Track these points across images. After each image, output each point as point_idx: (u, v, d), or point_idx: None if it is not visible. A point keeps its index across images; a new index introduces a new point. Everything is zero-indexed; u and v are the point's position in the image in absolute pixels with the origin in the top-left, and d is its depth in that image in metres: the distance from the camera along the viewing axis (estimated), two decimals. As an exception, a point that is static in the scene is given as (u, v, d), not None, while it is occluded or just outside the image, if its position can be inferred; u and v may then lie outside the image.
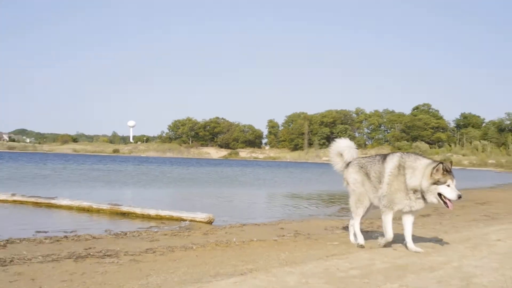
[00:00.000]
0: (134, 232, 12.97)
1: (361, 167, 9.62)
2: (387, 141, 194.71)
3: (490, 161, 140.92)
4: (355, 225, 9.99)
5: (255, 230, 13.70)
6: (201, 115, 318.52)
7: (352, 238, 10.42)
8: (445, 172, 8.21)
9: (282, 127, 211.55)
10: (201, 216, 15.22)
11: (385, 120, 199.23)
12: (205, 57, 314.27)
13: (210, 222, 15.04)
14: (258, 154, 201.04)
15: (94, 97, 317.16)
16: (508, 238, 9.70)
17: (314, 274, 6.91)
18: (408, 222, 9.24)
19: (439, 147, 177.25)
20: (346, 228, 14.18)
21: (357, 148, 10.69)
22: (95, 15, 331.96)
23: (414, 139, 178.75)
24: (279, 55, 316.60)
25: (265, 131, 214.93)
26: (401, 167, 8.70)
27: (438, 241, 10.17)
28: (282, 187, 38.11)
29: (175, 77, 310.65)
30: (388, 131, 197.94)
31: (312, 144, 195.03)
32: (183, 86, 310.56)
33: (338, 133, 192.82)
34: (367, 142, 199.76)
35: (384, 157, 9.26)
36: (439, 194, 8.27)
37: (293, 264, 8.21)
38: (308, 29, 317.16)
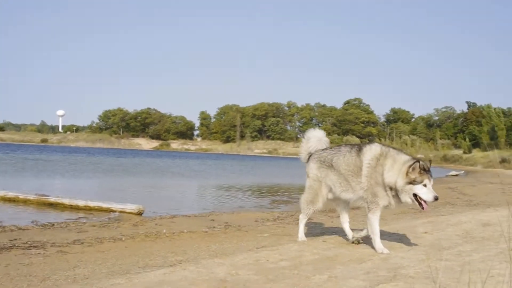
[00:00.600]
0: (62, 223, 12.75)
1: (323, 162, 8.67)
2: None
3: (419, 156, 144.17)
4: (300, 222, 9.24)
5: (185, 221, 13.65)
6: (133, 106, 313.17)
7: (300, 235, 9.29)
8: (422, 171, 7.54)
9: (214, 119, 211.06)
10: (131, 207, 15.07)
11: (316, 113, 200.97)
12: (137, 48, 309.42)
13: (140, 214, 14.90)
14: (189, 145, 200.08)
15: (22, 84, 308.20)
16: (434, 230, 9.89)
17: (244, 265, 6.90)
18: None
19: (370, 141, 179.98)
20: (276, 219, 14.28)
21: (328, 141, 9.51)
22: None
23: (345, 133, 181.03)
24: (211, 47, 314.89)
25: (197, 123, 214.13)
26: (380, 159, 7.92)
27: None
28: (214, 179, 38.11)
29: (106, 67, 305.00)
30: (320, 124, 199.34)
31: (244, 136, 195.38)
32: (114, 76, 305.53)
33: (270, 125, 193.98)
34: (298, 135, 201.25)
35: (359, 147, 8.34)
36: (414, 195, 7.57)
37: (223, 256, 8.20)
38: (239, 21, 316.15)
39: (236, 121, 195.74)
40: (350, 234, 8.86)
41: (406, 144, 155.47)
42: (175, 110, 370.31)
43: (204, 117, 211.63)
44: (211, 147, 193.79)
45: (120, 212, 15.01)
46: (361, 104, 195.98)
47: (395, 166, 7.73)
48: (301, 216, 9.15)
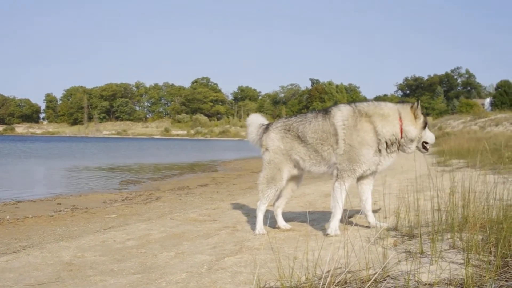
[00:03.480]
0: None
1: (287, 131, 7.24)
2: (167, 114, 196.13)
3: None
4: (259, 208, 7.33)
5: (31, 206, 13.22)
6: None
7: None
8: (423, 112, 6.80)
9: (60, 101, 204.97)
10: (-30, 195, 14.39)
11: (165, 93, 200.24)
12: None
13: (-19, 201, 14.26)
14: (36, 129, 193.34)
15: None
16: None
17: (91, 247, 6.82)
18: (368, 189, 7.09)
19: (218, 119, 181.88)
20: (124, 200, 14.17)
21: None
22: None
23: (194, 111, 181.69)
24: (54, 25, 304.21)
25: (42, 106, 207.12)
26: (359, 116, 6.69)
27: (215, 209, 10.45)
28: (60, 161, 36.96)
29: None
30: (169, 104, 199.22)
31: (92, 118, 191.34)
32: None
33: (118, 106, 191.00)
34: (148, 115, 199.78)
35: (324, 111, 7.08)
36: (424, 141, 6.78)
37: (69, 239, 8.06)
38: (89, 1, 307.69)
39: (83, 103, 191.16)
40: (282, 223, 7.58)
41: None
42: (19, 93, 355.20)
43: (50, 99, 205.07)
44: (58, 130, 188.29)
45: (-41, 200, 14.31)
46: (209, 83, 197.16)
47: (389, 118, 6.66)
48: (259, 203, 7.35)
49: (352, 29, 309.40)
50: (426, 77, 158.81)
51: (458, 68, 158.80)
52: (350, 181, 6.71)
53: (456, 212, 5.36)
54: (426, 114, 6.85)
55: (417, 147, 6.77)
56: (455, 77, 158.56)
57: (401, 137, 6.60)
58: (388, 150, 6.64)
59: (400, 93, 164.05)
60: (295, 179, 7.52)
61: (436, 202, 5.78)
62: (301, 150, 7.08)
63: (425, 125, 6.71)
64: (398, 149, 6.71)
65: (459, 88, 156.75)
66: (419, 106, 6.64)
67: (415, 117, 6.63)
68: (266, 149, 7.34)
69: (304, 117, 7.21)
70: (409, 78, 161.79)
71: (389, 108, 6.71)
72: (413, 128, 6.61)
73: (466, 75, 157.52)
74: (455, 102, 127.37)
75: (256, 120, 7.86)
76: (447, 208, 5.55)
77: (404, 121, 6.59)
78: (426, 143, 6.77)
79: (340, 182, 6.64)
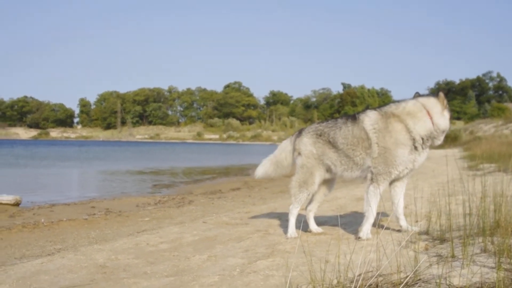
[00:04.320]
0: None
1: (320, 136, 7.21)
2: (200, 118, 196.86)
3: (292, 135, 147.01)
4: (291, 212, 7.30)
5: (65, 210, 13.40)
6: (8, 94, 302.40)
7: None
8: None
9: (94, 106, 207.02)
10: (7, 198, 14.59)
11: (197, 97, 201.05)
12: (11, 34, 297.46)
13: (17, 204, 14.46)
14: (70, 133, 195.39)
15: None
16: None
17: (124, 250, 6.90)
18: (400, 192, 7.00)
19: (250, 123, 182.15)
20: (157, 203, 14.28)
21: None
22: None
23: (226, 116, 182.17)
24: (87, 31, 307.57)
25: (76, 110, 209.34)
26: (387, 118, 6.66)
27: (247, 212, 10.49)
28: (95, 166, 37.33)
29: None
30: (201, 108, 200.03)
31: (125, 122, 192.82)
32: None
33: (151, 111, 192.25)
34: (180, 120, 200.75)
35: (352, 117, 7.04)
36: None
37: (103, 242, 8.17)
38: (121, 8, 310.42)
39: (116, 107, 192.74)
40: (314, 226, 7.54)
41: (286, 125, 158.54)
42: (54, 97, 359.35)
43: (83, 104, 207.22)
44: (92, 134, 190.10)
45: (-4, 203, 14.54)
46: (241, 87, 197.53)
47: (417, 114, 6.57)
48: (291, 207, 7.32)
49: (383, 32, 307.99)
50: (457, 81, 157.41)
51: (489, 72, 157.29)
52: (385, 184, 6.65)
53: (488, 216, 5.32)
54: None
55: None
56: (487, 81, 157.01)
57: (434, 130, 6.53)
58: (424, 146, 6.58)
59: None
60: (327, 183, 7.49)
61: (467, 206, 5.74)
62: (332, 156, 7.03)
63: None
64: (430, 143, 6.65)
65: (490, 92, 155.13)
66: (444, 96, 6.59)
67: (444, 108, 6.57)
68: (299, 153, 7.29)
69: (335, 123, 7.16)
70: (440, 82, 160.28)
71: (412, 104, 6.66)
72: (443, 119, 6.56)
73: (498, 79, 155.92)
74: (487, 106, 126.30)
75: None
76: (478, 212, 5.52)
77: (433, 114, 6.53)
78: None
79: (375, 185, 6.59)
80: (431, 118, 6.52)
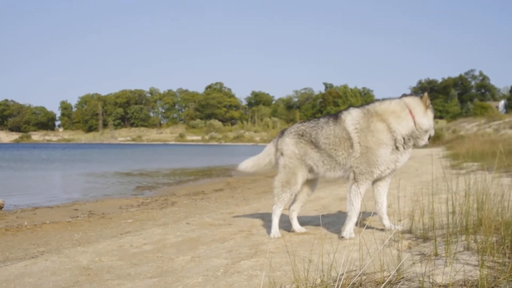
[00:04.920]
0: None
1: (301, 136, 7.18)
2: (181, 120, 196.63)
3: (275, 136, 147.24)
4: (275, 212, 7.31)
5: (48, 212, 13.34)
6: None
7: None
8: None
9: (75, 109, 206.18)
10: (-11, 201, 14.51)
11: (179, 99, 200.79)
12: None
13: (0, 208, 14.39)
14: (51, 136, 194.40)
15: None
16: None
17: (108, 251, 6.89)
18: (383, 192, 6.98)
19: (232, 124, 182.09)
20: (141, 205, 14.27)
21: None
22: None
23: (208, 117, 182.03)
24: (67, 33, 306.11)
25: (58, 113, 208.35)
26: (370, 117, 6.58)
27: (230, 213, 10.50)
28: (77, 168, 37.16)
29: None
30: (183, 109, 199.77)
31: (107, 125, 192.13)
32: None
33: (132, 113, 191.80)
34: (162, 121, 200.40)
35: (335, 116, 6.98)
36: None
37: (87, 244, 8.14)
38: (93, 4, 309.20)
39: (98, 110, 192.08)
40: (297, 226, 7.55)
41: (268, 126, 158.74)
42: (35, 100, 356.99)
43: (65, 106, 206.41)
44: (74, 137, 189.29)
45: (-23, 207, 14.44)
46: (223, 88, 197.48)
47: (401, 113, 6.52)
48: (274, 207, 7.33)
49: (364, 31, 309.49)
50: (440, 80, 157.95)
51: (472, 70, 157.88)
52: (367, 184, 6.64)
53: (471, 215, 5.36)
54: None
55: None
56: (469, 79, 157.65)
57: (416, 130, 6.48)
58: (406, 146, 6.55)
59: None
60: (310, 183, 7.50)
61: (450, 205, 5.78)
62: (314, 156, 7.01)
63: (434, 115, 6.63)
64: (413, 144, 6.61)
65: (473, 90, 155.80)
66: (428, 96, 6.55)
67: (426, 108, 6.53)
68: (281, 154, 7.30)
69: (316, 123, 7.12)
70: (423, 81, 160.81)
71: (396, 103, 6.61)
72: (426, 119, 6.51)
73: (480, 77, 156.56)
74: (469, 105, 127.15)
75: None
76: (461, 210, 5.56)
77: (415, 113, 6.49)
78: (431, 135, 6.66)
79: (357, 185, 6.57)
80: (413, 118, 6.47)
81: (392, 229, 6.60)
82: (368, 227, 6.91)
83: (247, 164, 7.90)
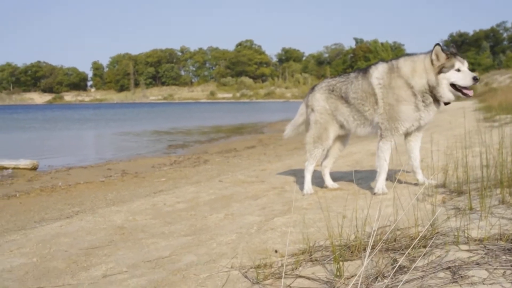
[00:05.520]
0: (-48, 183, 12.33)
1: (332, 91, 7.17)
2: (212, 77, 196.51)
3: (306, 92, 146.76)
4: (307, 168, 7.32)
5: (81, 172, 13.48)
6: (22, 60, 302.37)
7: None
8: (449, 55, 6.27)
9: (107, 69, 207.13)
10: (24, 163, 14.71)
11: (210, 57, 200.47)
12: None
13: (34, 168, 14.58)
14: (84, 97, 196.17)
15: None
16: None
17: (142, 210, 6.94)
18: (416, 146, 6.92)
19: (263, 81, 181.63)
20: (173, 164, 14.33)
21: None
22: None
23: (239, 74, 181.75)
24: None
25: (90, 74, 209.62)
26: (393, 73, 6.56)
27: (263, 170, 10.50)
28: (110, 128, 37.45)
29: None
30: (213, 68, 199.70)
31: (138, 84, 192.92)
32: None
33: (164, 72, 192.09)
34: (193, 80, 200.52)
35: (364, 70, 6.94)
36: (453, 85, 6.23)
37: (120, 203, 8.22)
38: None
39: (129, 70, 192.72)
40: (330, 182, 7.54)
41: (299, 82, 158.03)
42: (67, 61, 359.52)
43: (96, 67, 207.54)
44: (106, 97, 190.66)
45: (14, 168, 14.64)
46: (253, 45, 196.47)
47: (417, 67, 6.43)
48: (306, 163, 7.32)
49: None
50: (471, 33, 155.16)
51: (504, 22, 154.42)
52: (394, 139, 6.56)
53: (505, 167, 5.27)
54: (454, 54, 6.29)
55: (453, 94, 6.31)
56: (501, 31, 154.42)
57: (429, 86, 6.32)
58: (424, 104, 6.40)
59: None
60: (341, 138, 7.46)
61: (484, 158, 5.69)
62: (345, 111, 6.98)
63: (440, 69, 6.24)
64: (434, 101, 6.41)
65: (505, 42, 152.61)
66: (434, 49, 6.26)
67: (432, 63, 6.30)
68: (312, 110, 7.26)
69: (347, 77, 7.08)
70: (454, 34, 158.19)
71: (417, 58, 6.48)
72: (424, 76, 6.33)
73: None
74: (502, 57, 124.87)
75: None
76: (495, 163, 5.48)
77: (426, 70, 6.32)
78: (454, 85, 6.23)
79: (384, 141, 6.54)
80: (427, 74, 6.36)
81: (426, 183, 6.53)
82: (402, 182, 6.85)
83: (287, 131, 7.94)
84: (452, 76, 6.19)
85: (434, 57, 6.26)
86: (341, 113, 7.03)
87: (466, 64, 6.24)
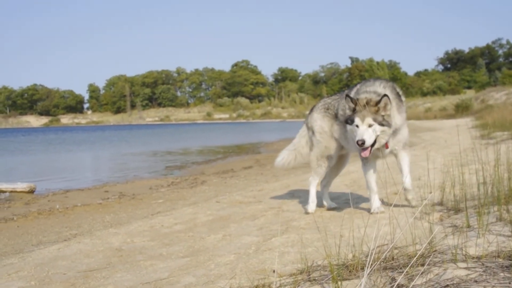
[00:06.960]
0: (-51, 207, 12.30)
1: (327, 109, 7.17)
2: (209, 98, 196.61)
3: (306, 112, 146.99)
4: (311, 185, 7.28)
5: (79, 195, 13.46)
6: (18, 83, 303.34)
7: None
8: (351, 105, 6.11)
9: (103, 91, 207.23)
10: (21, 186, 14.67)
11: (206, 78, 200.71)
12: (18, 24, 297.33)
13: (32, 191, 14.55)
14: (80, 119, 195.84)
15: None
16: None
17: (140, 232, 6.94)
18: (404, 163, 6.63)
19: (259, 101, 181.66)
20: (170, 185, 14.32)
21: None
22: None
23: (235, 95, 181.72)
24: (91, 18, 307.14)
25: (86, 96, 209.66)
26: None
27: (260, 190, 10.50)
28: (106, 150, 37.44)
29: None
30: (209, 88, 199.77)
31: (135, 106, 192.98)
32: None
33: (160, 93, 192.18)
34: (189, 101, 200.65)
35: (351, 88, 6.83)
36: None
37: (118, 225, 8.21)
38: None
39: (125, 91, 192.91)
40: (328, 201, 7.56)
41: (295, 102, 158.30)
42: (63, 84, 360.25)
43: (93, 89, 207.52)
44: (102, 119, 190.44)
45: (11, 192, 14.58)
46: (249, 66, 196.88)
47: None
48: (310, 179, 7.33)
49: (390, 3, 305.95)
50: (467, 50, 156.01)
51: (499, 39, 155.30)
52: (372, 161, 6.56)
53: (502, 185, 5.30)
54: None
55: None
56: (496, 48, 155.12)
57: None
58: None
59: (441, 67, 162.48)
60: (341, 157, 7.50)
61: (481, 175, 5.72)
62: (337, 129, 6.99)
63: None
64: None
65: (500, 59, 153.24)
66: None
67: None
68: (313, 131, 7.30)
69: (340, 95, 7.05)
70: (449, 52, 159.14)
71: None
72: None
73: (508, 46, 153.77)
74: (497, 74, 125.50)
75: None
76: (492, 180, 5.50)
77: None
78: None
79: (364, 162, 6.60)
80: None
81: (409, 188, 6.52)
82: (397, 202, 6.86)
83: (280, 157, 7.81)
84: (354, 131, 6.09)
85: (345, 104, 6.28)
86: (335, 131, 7.05)
87: (367, 119, 5.96)
